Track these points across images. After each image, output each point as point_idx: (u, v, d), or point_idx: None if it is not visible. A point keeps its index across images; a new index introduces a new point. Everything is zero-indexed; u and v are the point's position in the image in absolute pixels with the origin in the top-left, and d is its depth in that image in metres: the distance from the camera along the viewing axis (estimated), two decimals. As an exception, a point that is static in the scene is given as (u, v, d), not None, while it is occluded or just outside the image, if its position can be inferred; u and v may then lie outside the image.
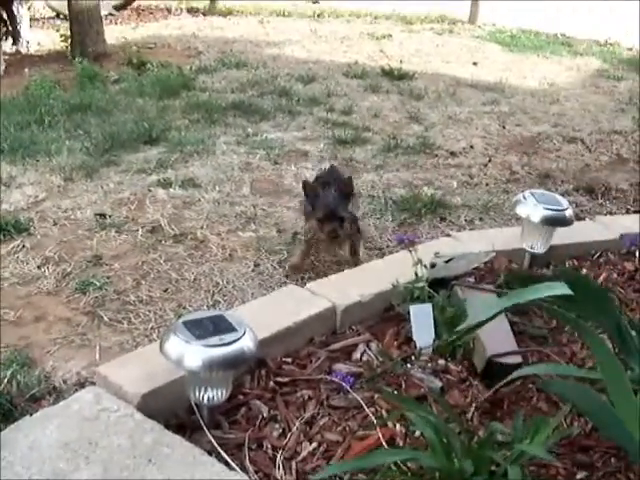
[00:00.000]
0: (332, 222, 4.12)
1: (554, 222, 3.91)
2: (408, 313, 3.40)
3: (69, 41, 10.20)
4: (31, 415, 2.70)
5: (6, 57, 9.81)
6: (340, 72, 9.56)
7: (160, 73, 8.94)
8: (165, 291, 4.03)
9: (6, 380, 3.06)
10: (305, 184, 4.28)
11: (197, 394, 2.74)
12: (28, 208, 5.15)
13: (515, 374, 2.88)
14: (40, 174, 5.81)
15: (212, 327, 2.71)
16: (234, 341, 2.65)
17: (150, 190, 5.47)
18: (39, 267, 4.29)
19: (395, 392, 3.01)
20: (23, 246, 4.56)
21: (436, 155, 6.61)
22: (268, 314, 3.25)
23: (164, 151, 6.33)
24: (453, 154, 6.68)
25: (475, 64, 10.57)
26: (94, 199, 5.30)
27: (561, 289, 2.24)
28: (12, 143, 6.43)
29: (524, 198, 3.98)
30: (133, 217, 4.97)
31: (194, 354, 2.61)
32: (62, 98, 7.90)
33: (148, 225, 4.84)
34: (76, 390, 2.96)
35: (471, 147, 6.92)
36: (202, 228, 4.80)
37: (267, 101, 8.05)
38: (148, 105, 7.79)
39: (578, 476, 2.62)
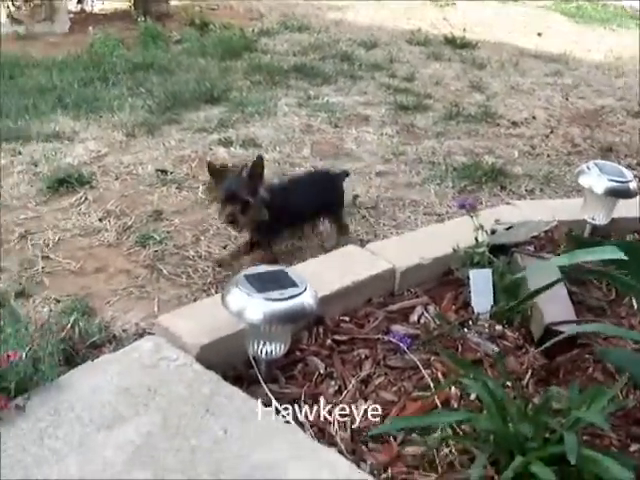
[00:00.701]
0: (232, 205, 3.69)
1: (617, 194, 3.86)
2: (467, 278, 3.39)
3: (133, 1, 10.25)
4: (92, 360, 2.74)
5: (71, 15, 9.87)
6: (403, 39, 9.50)
7: (222, 34, 8.95)
8: (224, 247, 4.05)
9: (69, 326, 3.09)
10: (209, 165, 3.85)
11: (256, 348, 2.76)
12: (91, 162, 5.20)
13: (569, 331, 2.87)
14: (103, 130, 5.87)
15: (273, 281, 2.72)
16: (295, 296, 2.67)
17: (211, 148, 5.50)
18: (100, 220, 4.34)
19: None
20: (85, 199, 4.62)
21: (498, 124, 6.54)
22: (327, 273, 3.26)
23: (225, 111, 6.35)
24: (515, 124, 6.60)
25: (539, 35, 10.44)
26: (155, 155, 5.34)
27: (615, 253, 2.21)
28: (76, 99, 6.50)
29: (587, 169, 3.93)
30: (194, 174, 4.99)
31: (255, 307, 2.63)
32: (125, 56, 7.94)
33: (208, 183, 4.84)
34: (135, 340, 2.98)
35: (533, 118, 6.83)
36: (262, 187, 4.80)
37: (329, 65, 8.02)
38: (210, 65, 7.80)
39: (632, 448, 2.61)
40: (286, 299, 2.65)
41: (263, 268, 2.88)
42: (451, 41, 9.32)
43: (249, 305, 2.64)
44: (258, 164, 3.77)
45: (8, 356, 2.50)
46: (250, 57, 8.15)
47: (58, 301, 3.49)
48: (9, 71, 7.34)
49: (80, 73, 7.35)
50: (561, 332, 2.97)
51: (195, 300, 3.53)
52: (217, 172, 3.78)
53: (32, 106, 6.31)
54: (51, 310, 3.39)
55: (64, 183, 4.76)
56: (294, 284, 2.72)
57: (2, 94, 6.54)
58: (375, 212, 4.55)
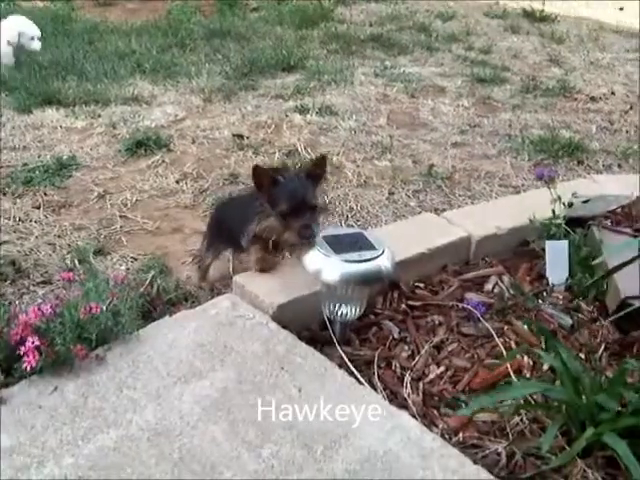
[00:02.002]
0: (303, 216, 2.85)
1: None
2: (543, 249, 3.36)
3: (210, -32, 10.29)
4: (170, 316, 2.79)
5: (149, -18, 9.95)
6: (480, 11, 9.41)
7: (299, 3, 8.96)
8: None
9: (147, 282, 3.15)
10: (256, 169, 2.91)
11: (331, 309, 2.78)
12: (168, 126, 5.27)
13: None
14: (180, 94, 5.95)
15: (352, 243, 2.73)
16: (373, 258, 2.67)
17: (287, 115, 5.52)
18: (177, 182, 4.39)
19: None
20: (163, 161, 4.68)
21: (575, 99, 6.45)
22: (403, 239, 3.25)
23: (302, 79, 6.37)
24: (593, 99, 6.50)
25: (621, 9, 10.22)
26: (232, 120, 5.39)
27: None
28: (154, 64, 6.60)
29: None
30: (270, 140, 5.02)
31: (333, 268, 2.64)
32: (202, 23, 8.04)
33: (285, 148, 4.89)
34: (210, 298, 3.02)
35: (612, 93, 6.72)
36: (338, 154, 4.82)
37: (405, 36, 7.99)
38: (286, 34, 7.85)
39: None
40: (363, 261, 2.65)
41: (342, 230, 2.89)
42: (530, 14, 9.21)
43: (326, 266, 2.65)
44: (321, 163, 3.00)
45: (90, 308, 2.55)
46: (326, 26, 8.17)
47: (135, 259, 3.55)
48: (88, 36, 7.49)
49: (158, 39, 7.46)
50: (637, 307, 2.93)
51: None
52: (266, 176, 2.90)
53: (111, 70, 6.43)
54: (128, 268, 3.45)
55: (142, 145, 4.84)
56: (372, 247, 2.72)
57: (82, 59, 6.64)
58: (450, 182, 4.53)
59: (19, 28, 6.52)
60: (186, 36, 7.51)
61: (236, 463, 2.15)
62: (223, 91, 5.95)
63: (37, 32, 6.62)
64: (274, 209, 2.86)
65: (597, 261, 3.18)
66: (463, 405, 2.60)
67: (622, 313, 2.80)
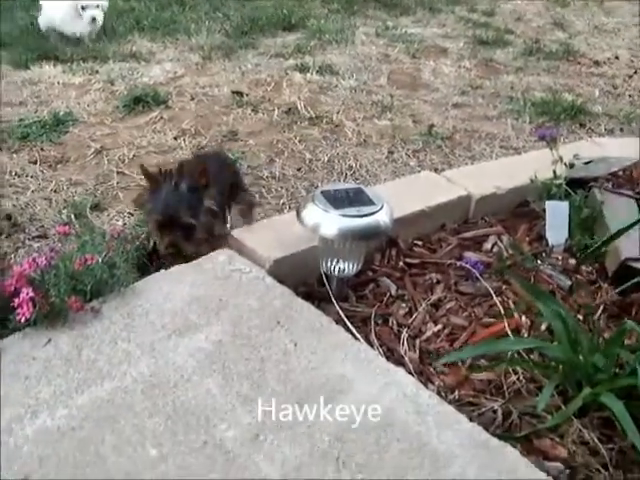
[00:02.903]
0: (172, 231, 2.86)
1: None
2: (543, 210, 3.35)
3: None
4: (166, 269, 2.76)
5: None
6: (484, -28, 9.31)
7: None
8: (298, 170, 4.04)
9: (143, 236, 3.12)
10: (145, 172, 2.91)
11: (328, 264, 2.76)
12: (167, 83, 5.23)
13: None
14: (179, 52, 5.91)
15: (350, 199, 2.70)
16: (371, 214, 2.64)
17: (287, 73, 5.49)
18: (175, 138, 4.36)
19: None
20: (161, 118, 4.65)
21: (579, 63, 6.40)
22: (402, 196, 3.22)
23: (302, 37, 6.33)
24: (597, 63, 6.45)
25: (627, -27, 10.12)
26: (231, 78, 5.35)
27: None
28: (153, 22, 6.58)
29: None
30: (269, 98, 4.98)
31: (331, 223, 2.61)
32: (203, -19, 7.93)
33: (284, 106, 4.86)
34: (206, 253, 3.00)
35: (616, 58, 6.67)
36: (338, 113, 4.79)
37: (408, -4, 7.91)
38: (288, -8, 7.76)
39: None
40: (362, 216, 2.63)
41: (340, 185, 2.87)
42: (535, -24, 9.11)
43: (324, 220, 2.62)
44: (202, 170, 2.91)
45: (85, 260, 2.53)
46: (328, -15, 8.08)
47: (132, 215, 3.53)
48: (87, -7, 7.38)
49: (157, -3, 7.38)
50: (637, 269, 2.91)
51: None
52: (152, 179, 2.90)
53: (110, 28, 6.36)
54: (125, 223, 3.43)
55: (140, 102, 4.81)
56: (371, 202, 2.69)
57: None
58: (450, 143, 4.49)
59: None
60: (186, -6, 7.46)
61: (230, 416, 2.14)
62: (223, 49, 5.91)
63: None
64: (150, 216, 2.95)
65: (598, 224, 3.17)
66: (460, 363, 2.59)
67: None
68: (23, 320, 2.40)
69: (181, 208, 2.84)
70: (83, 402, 2.17)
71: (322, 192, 2.73)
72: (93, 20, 6.02)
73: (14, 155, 4.12)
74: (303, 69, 5.56)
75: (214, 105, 4.86)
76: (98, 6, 6.05)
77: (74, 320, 2.48)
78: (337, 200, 2.68)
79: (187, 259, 2.83)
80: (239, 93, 5.02)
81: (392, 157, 4.24)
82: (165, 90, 5.04)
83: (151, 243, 3.08)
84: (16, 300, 2.40)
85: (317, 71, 5.52)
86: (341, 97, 5.08)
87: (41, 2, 6.11)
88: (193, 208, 2.86)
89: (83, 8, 5.96)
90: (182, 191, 2.86)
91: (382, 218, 2.66)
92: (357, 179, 3.93)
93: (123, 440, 2.06)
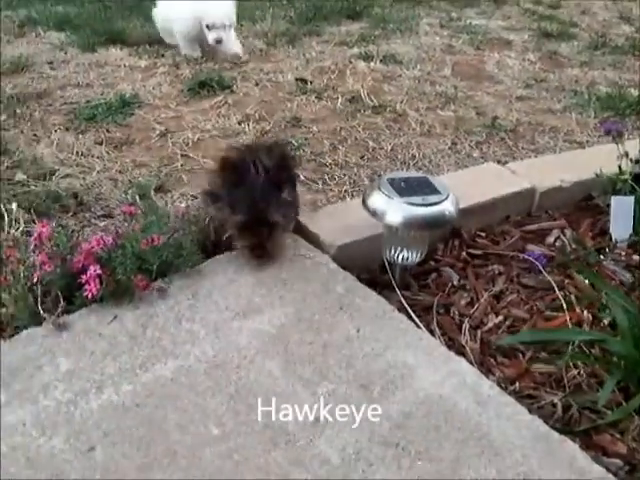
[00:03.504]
0: (258, 233, 2.64)
1: None
2: (607, 205, 3.31)
3: None
4: (231, 252, 2.79)
5: None
6: (550, -35, 9.21)
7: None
8: (361, 158, 4.03)
9: (206, 221, 3.15)
10: (224, 161, 2.71)
11: (392, 253, 2.77)
12: (231, 68, 5.26)
13: None
14: (244, 37, 5.93)
15: (416, 187, 2.71)
16: (437, 203, 2.65)
17: (351, 62, 5.48)
18: (239, 123, 4.38)
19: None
20: (225, 102, 4.67)
21: (646, 57, 6.30)
22: (466, 187, 3.20)
23: (366, 26, 6.33)
24: (664, 58, 6.35)
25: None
26: (295, 65, 5.36)
27: None
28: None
29: None
30: (333, 85, 4.98)
31: (396, 210, 2.62)
32: (267, -32, 7.96)
33: (348, 94, 4.85)
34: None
35: (684, 53, 6.56)
36: (401, 102, 4.77)
37: (472, -13, 7.86)
38: (352, -20, 7.76)
39: None
40: (427, 205, 2.63)
41: (406, 173, 2.87)
42: (602, -31, 8.99)
43: (390, 208, 2.63)
44: (286, 154, 2.81)
45: (152, 239, 2.57)
46: (393, -25, 8.07)
47: (196, 197, 3.54)
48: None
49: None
50: None
51: (331, 206, 3.55)
52: (230, 168, 2.68)
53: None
54: (189, 205, 3.45)
55: (205, 86, 4.84)
56: (436, 191, 2.70)
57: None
58: (514, 135, 4.45)
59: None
60: (251, -20, 7.50)
61: (292, 398, 2.16)
62: (287, 35, 5.93)
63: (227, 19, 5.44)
64: (231, 215, 2.64)
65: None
66: (520, 356, 2.58)
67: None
68: (90, 296, 2.44)
69: (271, 207, 2.59)
70: (147, 379, 2.21)
71: (388, 180, 2.74)
72: (218, 42, 5.33)
73: (80, 136, 4.17)
74: (367, 58, 5.55)
75: (278, 91, 4.88)
76: (226, 27, 5.34)
77: (140, 299, 2.52)
78: (403, 188, 2.68)
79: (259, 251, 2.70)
80: (303, 80, 5.03)
81: (455, 148, 4.22)
82: (230, 75, 5.07)
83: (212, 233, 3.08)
84: (84, 277, 2.45)
85: (381, 60, 5.51)
86: (405, 87, 5.06)
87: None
88: (279, 204, 2.63)
89: (208, 27, 5.27)
90: (266, 185, 2.60)
91: (447, 208, 2.66)
92: (420, 169, 3.91)
93: (186, 418, 2.09)
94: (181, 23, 5.46)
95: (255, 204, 2.57)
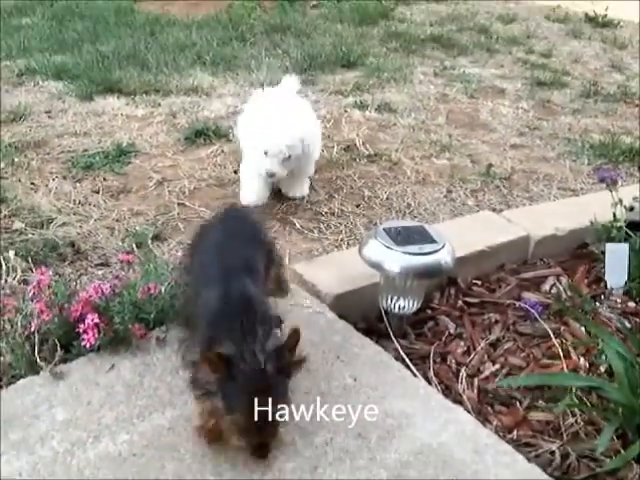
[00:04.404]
0: (264, 431, 2.07)
1: None
2: (602, 252, 3.34)
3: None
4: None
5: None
6: (542, 14, 9.32)
7: (359, 1, 8.92)
8: (357, 206, 4.06)
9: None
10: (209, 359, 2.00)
11: (389, 301, 2.78)
12: (227, 117, 5.30)
13: None
14: (240, 87, 5.99)
15: (412, 236, 2.73)
16: (433, 252, 2.67)
17: (346, 110, 5.52)
18: (235, 172, 4.39)
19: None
20: (222, 151, 4.71)
21: (637, 105, 6.34)
22: (462, 235, 3.22)
23: (361, 75, 6.38)
24: (655, 106, 6.41)
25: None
26: (291, 114, 5.40)
27: None
28: (214, 57, 6.65)
29: None
30: (329, 134, 5.01)
31: (393, 260, 2.65)
32: (262, 19, 8.10)
33: (343, 143, 4.89)
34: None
35: (675, 101, 6.62)
36: (396, 151, 4.80)
37: (465, 37, 7.95)
38: (346, 31, 7.86)
39: None
40: (424, 254, 2.65)
41: (403, 222, 2.90)
42: (592, 19, 9.09)
43: (387, 257, 2.66)
44: (293, 341, 2.11)
45: (149, 289, 2.58)
46: (386, 25, 8.17)
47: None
48: (150, 28, 7.57)
49: (218, 32, 7.53)
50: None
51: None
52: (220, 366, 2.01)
53: (172, 61, 6.49)
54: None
55: (201, 135, 4.88)
56: (433, 240, 2.72)
57: (143, 49, 6.72)
58: (508, 183, 4.49)
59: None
60: (246, 30, 7.56)
61: (289, 449, 2.16)
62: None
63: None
64: (226, 407, 2.05)
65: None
66: (518, 404, 2.58)
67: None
68: (88, 345, 2.45)
69: (276, 401, 2.03)
70: (144, 429, 2.21)
71: (384, 229, 2.76)
72: (270, 176, 3.93)
73: (77, 184, 4.19)
74: (362, 106, 5.59)
75: (274, 140, 4.92)
76: (285, 158, 3.89)
77: (137, 347, 2.53)
78: (399, 237, 2.71)
79: None
80: (299, 129, 5.07)
81: (450, 196, 4.25)
82: (226, 124, 5.10)
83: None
84: (81, 325, 2.45)
85: (376, 109, 5.55)
86: (399, 135, 5.10)
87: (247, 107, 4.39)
88: (284, 391, 2.11)
89: (266, 153, 3.88)
90: (268, 372, 2.03)
91: (444, 257, 2.69)
92: (415, 217, 3.93)
93: (183, 468, 2.09)
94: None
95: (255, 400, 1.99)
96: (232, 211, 2.85)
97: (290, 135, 3.84)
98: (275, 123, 3.89)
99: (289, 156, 3.86)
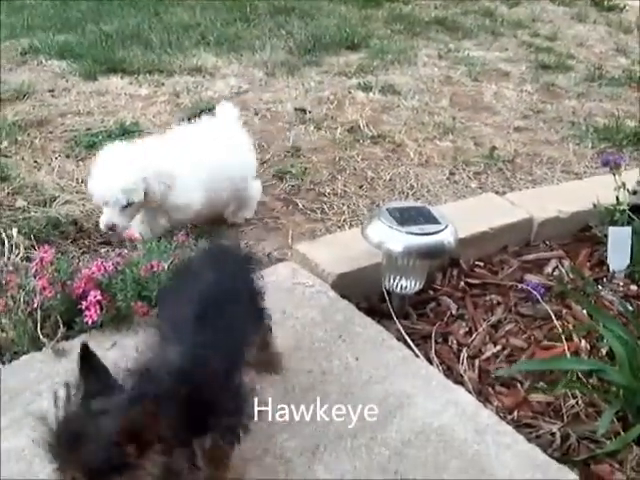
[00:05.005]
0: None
1: None
2: (604, 235, 3.34)
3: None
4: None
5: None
6: (547, -2, 9.29)
7: (364, -17, 8.91)
8: (360, 187, 4.06)
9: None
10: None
11: (391, 281, 2.78)
12: (231, 97, 5.28)
13: None
14: (244, 67, 5.97)
15: (415, 217, 2.73)
16: (436, 232, 2.67)
17: (350, 92, 5.51)
18: (240, 153, 4.40)
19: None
20: (225, 131, 4.70)
21: (642, 90, 6.34)
22: (465, 217, 3.22)
23: (365, 57, 6.36)
24: (660, 90, 6.39)
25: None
26: (294, 95, 5.39)
27: None
28: (218, 37, 6.62)
29: None
30: (332, 115, 5.01)
31: (396, 239, 2.65)
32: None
33: (347, 124, 4.88)
34: (270, 266, 3.03)
35: (680, 85, 6.60)
36: (400, 133, 4.80)
37: (470, 19, 7.91)
38: (351, 12, 7.83)
39: None
40: (427, 234, 2.65)
41: (406, 203, 2.90)
42: (597, 3, 9.05)
43: (390, 237, 2.66)
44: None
45: (152, 266, 2.58)
46: (391, 7, 8.13)
47: (195, 226, 3.56)
48: (154, 8, 7.53)
49: (222, 13, 7.49)
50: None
51: (329, 235, 3.56)
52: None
53: (176, 41, 6.45)
54: (188, 233, 3.46)
55: (205, 114, 4.86)
56: (436, 221, 2.72)
57: (147, 29, 6.70)
58: (512, 166, 4.48)
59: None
60: (251, 11, 7.53)
61: (291, 426, 2.17)
62: (286, 66, 5.96)
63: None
64: None
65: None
66: (519, 385, 2.59)
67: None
68: (90, 322, 2.46)
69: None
70: (147, 406, 2.21)
71: (387, 209, 2.76)
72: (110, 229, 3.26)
73: (80, 163, 4.19)
74: (365, 88, 5.58)
75: (277, 121, 4.91)
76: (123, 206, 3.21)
77: (139, 324, 2.53)
78: (402, 218, 2.71)
79: None
80: (302, 110, 5.06)
81: (453, 178, 4.25)
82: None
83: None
84: (84, 302, 2.46)
85: (379, 90, 5.53)
86: (403, 117, 5.09)
87: None
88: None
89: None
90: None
91: (447, 237, 2.69)
92: (418, 199, 3.93)
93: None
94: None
95: None
96: (217, 251, 2.39)
97: (125, 178, 3.17)
98: (104, 167, 3.25)
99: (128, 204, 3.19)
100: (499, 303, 3.02)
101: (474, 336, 2.81)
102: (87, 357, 1.69)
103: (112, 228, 3.22)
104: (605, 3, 9.02)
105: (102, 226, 3.23)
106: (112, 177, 3.18)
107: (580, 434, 2.37)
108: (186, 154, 3.38)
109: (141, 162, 3.22)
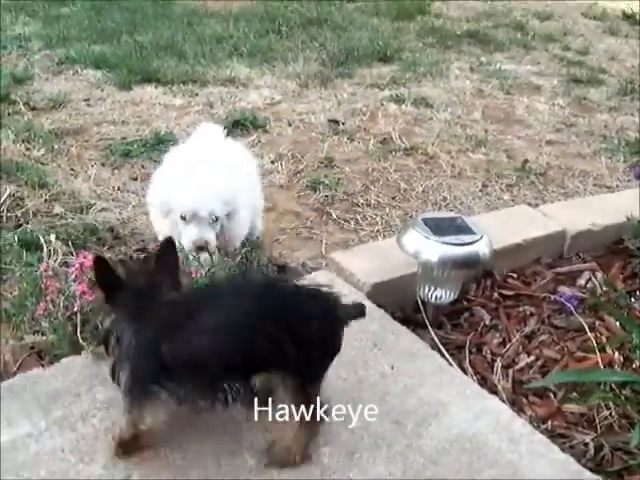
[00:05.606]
0: None
1: None
2: (637, 248, 3.35)
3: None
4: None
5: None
6: (578, 11, 9.25)
7: (396, -4, 8.95)
8: (393, 198, 4.09)
9: (238, 258, 3.18)
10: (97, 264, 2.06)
11: (426, 291, 2.80)
12: (264, 108, 5.34)
13: None
14: (276, 78, 6.02)
15: (450, 227, 2.75)
16: (471, 243, 2.69)
17: (382, 104, 5.55)
18: (273, 162, 4.45)
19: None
20: (259, 141, 4.76)
21: (673, 103, 6.33)
22: (498, 228, 3.23)
23: (397, 69, 6.39)
24: (692, 105, 6.37)
25: None
26: (327, 106, 5.44)
27: None
28: (251, 49, 6.70)
29: None
30: (365, 127, 5.05)
31: (431, 249, 2.66)
32: (299, 11, 8.11)
33: (379, 136, 4.92)
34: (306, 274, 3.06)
35: None
36: (432, 145, 4.83)
37: (502, 33, 7.92)
38: (383, 25, 7.87)
39: None
40: (462, 244, 2.67)
41: (441, 214, 2.91)
42: (629, 16, 9.02)
43: (425, 247, 2.68)
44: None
45: (190, 273, 2.61)
46: (423, 20, 8.17)
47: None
48: (187, 19, 7.62)
49: (255, 25, 7.55)
50: None
51: (362, 245, 3.59)
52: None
53: (209, 52, 6.53)
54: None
55: (238, 125, 4.93)
56: (471, 231, 2.74)
57: (181, 40, 6.77)
58: (544, 179, 4.50)
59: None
60: (283, 23, 7.58)
61: (327, 432, 2.18)
62: (319, 77, 6.00)
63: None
64: None
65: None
66: (552, 395, 2.60)
67: None
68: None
69: None
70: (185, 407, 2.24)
71: (423, 219, 2.78)
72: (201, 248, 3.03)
73: (116, 171, 4.26)
74: (398, 100, 5.62)
75: (310, 132, 4.95)
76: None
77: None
78: (438, 228, 2.72)
79: None
80: (335, 121, 5.10)
81: (486, 190, 4.27)
82: (263, 115, 5.15)
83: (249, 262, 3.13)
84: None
85: (412, 103, 5.57)
86: (435, 129, 5.12)
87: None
88: None
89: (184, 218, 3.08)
90: None
91: (482, 248, 2.70)
92: (451, 210, 3.94)
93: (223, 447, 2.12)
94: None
95: None
96: (239, 282, 2.35)
97: (219, 192, 3.08)
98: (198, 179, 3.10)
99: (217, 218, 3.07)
100: (532, 314, 3.03)
101: (508, 346, 2.82)
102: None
103: (203, 246, 2.99)
104: (637, 17, 8.98)
105: (188, 243, 2.98)
106: (211, 188, 3.05)
107: (613, 445, 2.37)
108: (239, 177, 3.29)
109: (229, 177, 3.16)
